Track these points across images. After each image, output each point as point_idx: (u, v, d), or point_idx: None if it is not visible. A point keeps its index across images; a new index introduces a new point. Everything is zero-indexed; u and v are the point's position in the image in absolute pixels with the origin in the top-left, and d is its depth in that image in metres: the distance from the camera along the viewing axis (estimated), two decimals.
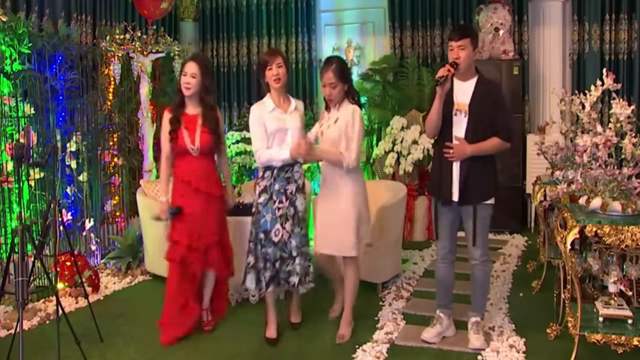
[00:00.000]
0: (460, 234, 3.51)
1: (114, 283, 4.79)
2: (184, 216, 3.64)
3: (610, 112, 3.18)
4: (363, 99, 6.93)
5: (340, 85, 3.48)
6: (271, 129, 3.52)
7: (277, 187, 3.53)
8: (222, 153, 3.86)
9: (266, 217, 3.51)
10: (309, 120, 6.51)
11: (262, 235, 3.50)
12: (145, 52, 5.43)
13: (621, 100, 3.15)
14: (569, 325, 3.10)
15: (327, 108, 3.65)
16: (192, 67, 3.61)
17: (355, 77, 7.07)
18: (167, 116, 3.67)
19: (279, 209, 3.51)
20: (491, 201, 3.39)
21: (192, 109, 3.68)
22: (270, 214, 3.51)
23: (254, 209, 3.61)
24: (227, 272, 3.86)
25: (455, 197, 3.35)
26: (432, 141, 3.72)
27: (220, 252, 3.74)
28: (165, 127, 3.67)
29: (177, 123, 3.64)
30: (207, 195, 3.64)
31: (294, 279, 3.51)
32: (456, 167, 3.34)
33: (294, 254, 3.50)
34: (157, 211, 3.72)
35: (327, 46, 7.48)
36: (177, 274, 3.64)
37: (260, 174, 3.61)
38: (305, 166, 6.36)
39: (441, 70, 3.26)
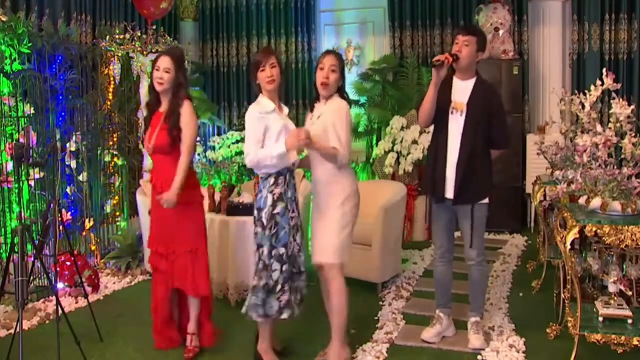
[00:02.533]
0: (458, 234, 3.51)
1: (114, 283, 4.79)
2: (153, 222, 3.47)
3: (610, 112, 3.18)
4: (363, 99, 6.94)
5: (338, 72, 3.20)
6: (277, 129, 3.14)
7: (289, 194, 3.18)
8: (184, 152, 3.34)
9: (285, 229, 3.12)
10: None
11: (282, 250, 3.11)
12: (145, 52, 5.42)
13: (621, 100, 3.16)
14: (569, 325, 3.10)
15: (312, 109, 3.37)
16: (165, 62, 3.34)
17: (355, 77, 7.07)
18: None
19: (292, 218, 3.17)
20: (486, 201, 3.39)
21: (164, 105, 3.42)
22: (287, 225, 3.13)
23: (268, 222, 3.11)
24: (202, 290, 3.42)
25: (449, 195, 3.35)
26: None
27: (191, 265, 3.38)
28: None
29: (148, 123, 3.46)
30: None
31: (298, 297, 3.21)
32: (451, 167, 3.34)
33: (302, 269, 3.22)
34: None
35: (327, 46, 7.45)
36: (155, 281, 3.53)
37: (272, 180, 3.13)
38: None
39: (440, 55, 3.27)
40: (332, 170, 3.16)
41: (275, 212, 3.12)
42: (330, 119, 3.12)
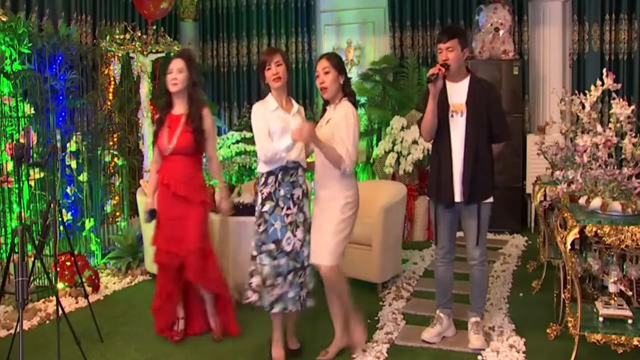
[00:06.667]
0: (459, 234, 3.51)
1: (114, 283, 4.79)
2: (163, 221, 3.57)
3: (610, 112, 3.19)
4: (363, 99, 6.94)
5: (333, 72, 3.19)
6: (274, 128, 3.21)
7: (282, 192, 3.22)
8: (210, 154, 3.63)
9: (275, 226, 3.19)
10: (309, 120, 6.51)
11: (272, 246, 3.18)
12: (145, 52, 5.42)
13: (621, 100, 3.16)
14: (569, 325, 3.10)
15: (323, 113, 3.43)
16: (177, 63, 3.49)
17: (355, 77, 7.07)
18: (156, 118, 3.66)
19: (287, 215, 3.21)
20: (491, 200, 3.40)
21: (178, 108, 3.55)
22: (279, 221, 3.19)
23: (258, 219, 3.24)
24: (215, 286, 3.62)
25: (457, 198, 3.34)
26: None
27: (202, 262, 3.52)
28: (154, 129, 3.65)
29: (160, 124, 3.56)
30: (186, 200, 3.49)
31: (304, 292, 3.27)
32: (457, 170, 3.33)
33: (306, 264, 3.25)
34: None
35: (327, 46, 7.47)
36: (162, 277, 3.63)
37: (263, 180, 3.25)
38: None
39: (432, 69, 3.26)
40: (335, 175, 3.18)
41: (264, 210, 3.22)
42: (337, 125, 3.16)
